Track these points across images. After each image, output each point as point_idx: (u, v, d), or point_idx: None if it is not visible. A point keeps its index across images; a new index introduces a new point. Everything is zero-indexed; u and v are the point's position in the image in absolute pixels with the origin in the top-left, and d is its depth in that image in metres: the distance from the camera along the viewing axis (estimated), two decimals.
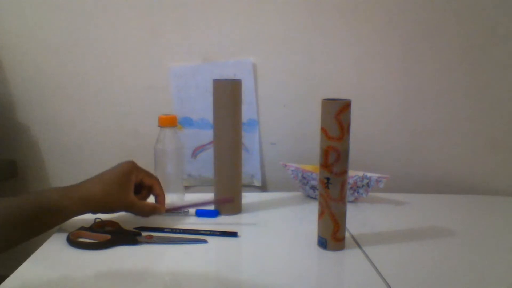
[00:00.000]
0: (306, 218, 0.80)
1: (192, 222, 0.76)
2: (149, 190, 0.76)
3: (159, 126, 0.80)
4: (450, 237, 0.72)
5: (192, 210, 0.78)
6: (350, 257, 0.65)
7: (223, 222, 0.77)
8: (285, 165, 0.92)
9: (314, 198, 0.89)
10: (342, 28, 0.96)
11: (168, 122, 0.80)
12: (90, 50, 0.98)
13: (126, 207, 0.72)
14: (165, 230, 0.71)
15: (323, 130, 0.63)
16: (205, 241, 0.68)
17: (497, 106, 0.98)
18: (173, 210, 0.78)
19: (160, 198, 0.76)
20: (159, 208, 0.75)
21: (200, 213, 0.78)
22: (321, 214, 0.66)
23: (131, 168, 0.71)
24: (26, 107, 1.01)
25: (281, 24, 0.96)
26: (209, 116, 0.88)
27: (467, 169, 1.01)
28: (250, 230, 0.75)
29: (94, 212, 0.71)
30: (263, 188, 1.03)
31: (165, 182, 0.82)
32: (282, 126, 1.00)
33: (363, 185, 0.86)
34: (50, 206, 0.64)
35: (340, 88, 0.97)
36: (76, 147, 1.02)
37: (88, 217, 0.73)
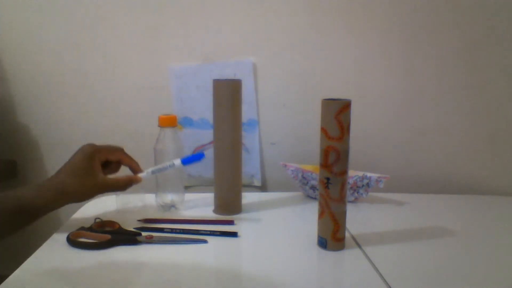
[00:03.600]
0: (306, 218, 0.80)
1: (191, 215, 0.77)
2: (118, 163, 0.76)
3: (159, 126, 0.80)
4: (450, 237, 0.72)
5: (177, 161, 0.75)
6: (350, 257, 0.65)
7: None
8: (285, 165, 0.92)
9: (314, 198, 0.89)
10: (342, 28, 0.96)
11: (168, 122, 0.80)
12: (90, 50, 0.98)
13: (100, 189, 0.71)
14: (165, 230, 0.71)
15: (323, 130, 0.63)
16: (205, 241, 0.68)
17: (497, 106, 0.98)
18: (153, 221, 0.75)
19: (132, 166, 0.75)
20: (135, 178, 0.74)
21: (185, 161, 0.75)
22: (321, 214, 0.66)
23: (92, 150, 0.70)
24: (26, 107, 1.01)
25: (281, 24, 0.96)
26: (209, 116, 0.88)
27: (467, 169, 1.01)
28: (250, 230, 0.75)
29: (71, 202, 0.70)
30: (263, 188, 1.03)
31: (165, 182, 0.82)
32: (282, 126, 1.00)
33: (363, 185, 0.86)
34: (25, 205, 0.64)
35: (340, 88, 0.97)
36: (76, 147, 1.02)
37: (88, 217, 0.73)
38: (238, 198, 0.82)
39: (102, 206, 0.81)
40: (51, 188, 0.67)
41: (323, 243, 0.66)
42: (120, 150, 0.75)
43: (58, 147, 1.03)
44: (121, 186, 0.73)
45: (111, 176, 0.74)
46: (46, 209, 0.66)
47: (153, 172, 0.76)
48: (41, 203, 0.65)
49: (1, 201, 0.63)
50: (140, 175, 0.75)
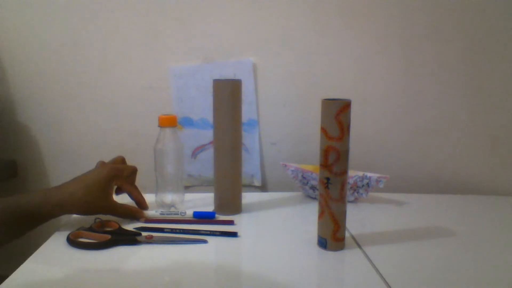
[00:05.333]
0: (306, 218, 0.80)
1: (191, 215, 0.77)
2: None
3: (159, 126, 0.80)
4: (450, 237, 0.72)
5: (190, 212, 0.77)
6: (350, 257, 0.65)
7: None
8: (285, 165, 0.92)
9: (314, 198, 0.89)
10: (342, 28, 0.96)
11: (168, 122, 0.80)
12: (90, 50, 0.98)
13: (106, 210, 0.73)
14: (165, 230, 0.71)
15: (323, 130, 0.63)
16: (205, 241, 0.68)
17: (497, 106, 0.98)
18: (152, 221, 0.76)
19: (140, 203, 0.78)
20: (142, 214, 0.76)
21: (197, 215, 0.77)
22: (321, 214, 0.66)
23: (112, 175, 0.73)
24: (26, 107, 1.01)
25: (281, 24, 0.96)
26: (209, 116, 0.88)
27: (467, 169, 1.01)
28: (250, 230, 0.75)
29: (73, 213, 0.73)
30: (263, 188, 1.03)
31: (165, 182, 0.82)
32: (282, 126, 1.00)
33: (363, 185, 0.86)
34: (30, 210, 0.65)
35: (340, 88, 0.97)
36: (76, 147, 1.02)
37: (88, 217, 0.73)
38: (238, 198, 0.82)
39: None
40: (58, 195, 0.68)
41: (323, 243, 0.66)
42: (135, 187, 0.78)
43: (58, 147, 1.03)
44: (127, 215, 0.76)
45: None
46: (49, 216, 0.67)
47: (161, 214, 0.77)
48: (45, 208, 0.66)
49: (7, 205, 0.63)
50: (148, 213, 0.77)
